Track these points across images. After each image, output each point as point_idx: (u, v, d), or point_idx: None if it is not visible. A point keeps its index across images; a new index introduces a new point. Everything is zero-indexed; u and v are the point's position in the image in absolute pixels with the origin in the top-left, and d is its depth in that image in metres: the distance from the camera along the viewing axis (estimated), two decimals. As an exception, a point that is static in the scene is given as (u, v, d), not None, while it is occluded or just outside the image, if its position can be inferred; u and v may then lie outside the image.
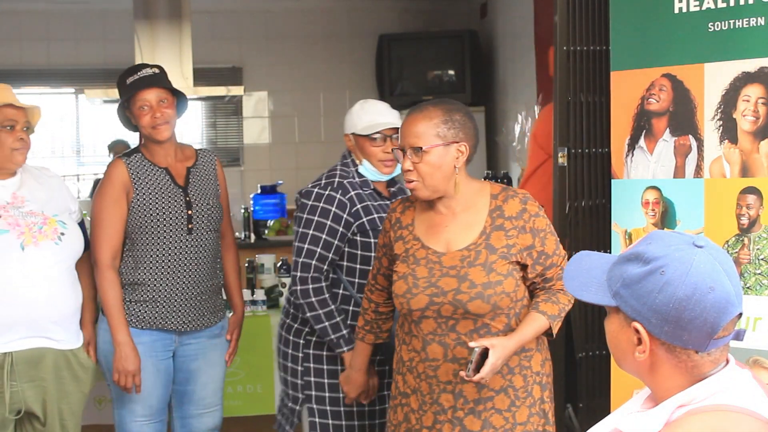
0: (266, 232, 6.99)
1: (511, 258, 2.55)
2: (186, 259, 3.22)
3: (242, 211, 7.07)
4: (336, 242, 3.03)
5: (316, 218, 3.02)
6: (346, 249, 3.07)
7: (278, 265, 5.24)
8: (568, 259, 1.85)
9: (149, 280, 3.20)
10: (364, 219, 3.05)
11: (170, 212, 3.21)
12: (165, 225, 3.20)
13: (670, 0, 3.05)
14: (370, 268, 2.97)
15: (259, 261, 5.30)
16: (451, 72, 7.73)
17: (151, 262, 3.20)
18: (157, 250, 3.20)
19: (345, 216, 3.03)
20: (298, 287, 3.02)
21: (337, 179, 3.08)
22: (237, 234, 6.79)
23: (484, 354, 2.43)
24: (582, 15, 3.48)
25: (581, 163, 3.51)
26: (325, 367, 3.12)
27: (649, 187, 3.14)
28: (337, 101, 7.98)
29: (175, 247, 3.21)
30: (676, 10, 3.04)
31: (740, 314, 1.50)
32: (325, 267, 3.03)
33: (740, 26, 2.89)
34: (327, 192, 3.04)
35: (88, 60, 7.79)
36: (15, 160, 3.00)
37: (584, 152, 3.52)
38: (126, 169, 3.21)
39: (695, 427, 1.44)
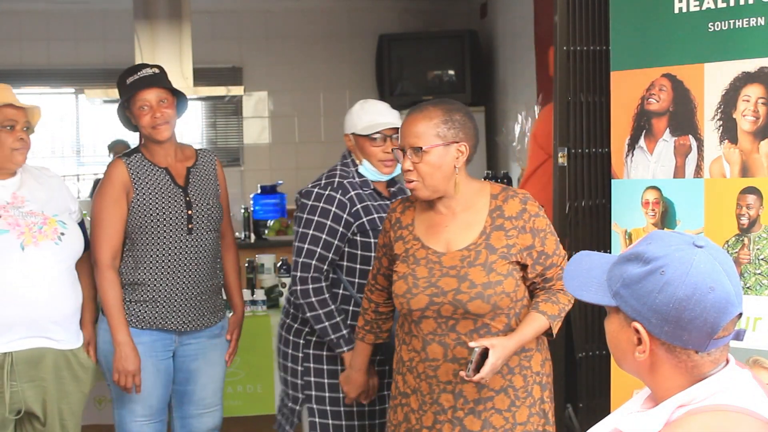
0: (266, 232, 6.99)
1: (511, 258, 2.55)
2: (186, 259, 3.22)
3: (242, 211, 7.07)
4: (336, 242, 3.03)
5: (316, 218, 3.02)
6: (346, 249, 3.07)
7: (278, 265, 5.25)
8: (568, 259, 1.85)
9: (149, 280, 3.20)
10: (364, 219, 3.05)
11: (170, 212, 3.21)
12: (165, 225, 3.19)
13: (670, 0, 3.05)
14: (370, 268, 2.97)
15: (259, 261, 5.30)
16: (451, 72, 7.73)
17: (151, 262, 3.20)
18: (157, 250, 3.20)
19: (345, 216, 3.03)
20: (298, 287, 3.02)
21: (337, 179, 3.08)
22: (237, 234, 6.80)
23: (484, 354, 2.43)
24: (582, 15, 3.48)
25: (581, 163, 3.52)
26: (325, 367, 3.12)
27: (649, 187, 3.14)
28: (337, 101, 7.98)
29: (175, 247, 3.21)
30: (676, 10, 3.04)
31: (740, 314, 1.50)
32: (325, 267, 3.03)
33: (740, 26, 2.89)
34: (327, 192, 3.04)
35: (88, 60, 7.79)
36: (15, 160, 3.00)
37: (584, 152, 3.52)
38: (126, 169, 3.21)
39: (695, 427, 1.44)
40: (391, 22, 8.10)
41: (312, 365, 3.13)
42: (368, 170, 3.11)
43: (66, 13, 7.75)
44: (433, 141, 2.50)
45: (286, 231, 6.93)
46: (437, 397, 2.59)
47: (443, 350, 2.56)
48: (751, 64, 2.87)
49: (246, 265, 5.26)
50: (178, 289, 3.21)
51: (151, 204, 3.19)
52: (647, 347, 1.50)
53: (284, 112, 8.20)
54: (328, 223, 3.02)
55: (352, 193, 3.06)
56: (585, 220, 3.53)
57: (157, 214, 3.19)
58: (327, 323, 3.00)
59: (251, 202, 7.17)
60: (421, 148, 2.50)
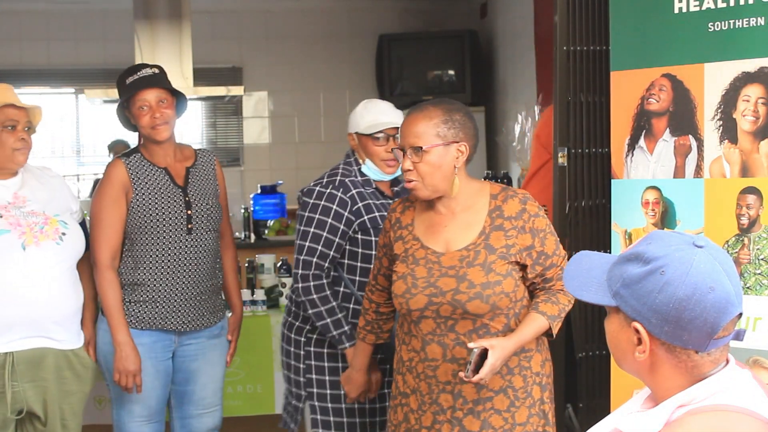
0: (266, 232, 6.99)
1: (510, 258, 2.55)
2: (186, 259, 3.22)
3: (242, 211, 7.07)
4: (337, 240, 3.03)
5: (317, 216, 3.03)
6: (347, 247, 3.08)
7: (278, 265, 5.24)
8: (568, 259, 1.85)
9: (149, 280, 3.20)
10: (365, 217, 3.06)
11: (170, 212, 3.21)
12: (164, 225, 3.20)
13: (670, 0, 3.05)
14: (371, 266, 2.98)
15: (259, 261, 5.30)
16: (451, 72, 7.73)
17: (150, 262, 3.20)
18: (157, 250, 3.20)
19: (346, 214, 3.04)
20: (300, 284, 3.03)
21: (338, 177, 3.08)
22: (237, 234, 6.83)
23: (483, 355, 2.43)
24: (582, 15, 3.48)
25: (581, 163, 3.51)
26: (326, 364, 3.13)
27: (649, 187, 3.14)
28: (337, 101, 7.98)
29: (175, 247, 3.21)
30: (676, 10, 3.04)
31: (740, 314, 1.50)
32: (326, 264, 3.04)
33: (740, 26, 2.89)
34: (328, 190, 3.05)
35: (88, 60, 7.80)
36: (16, 160, 3.00)
37: (584, 152, 3.52)
38: (125, 169, 3.21)
39: (695, 427, 1.44)
40: (391, 22, 8.10)
41: (313, 362, 3.14)
42: (371, 169, 3.12)
43: (66, 13, 7.76)
44: (433, 141, 2.50)
45: (286, 231, 6.93)
46: (436, 397, 2.59)
47: (442, 350, 2.56)
48: (751, 64, 2.87)
49: (246, 265, 5.26)
50: (177, 289, 3.22)
51: (150, 204, 3.19)
52: (647, 347, 1.50)
53: (284, 112, 8.20)
54: (329, 221, 3.02)
55: (354, 191, 3.07)
56: (585, 220, 3.53)
57: (157, 214, 3.19)
58: (329, 320, 3.01)
59: (251, 202, 7.17)
60: (421, 147, 2.50)
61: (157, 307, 3.20)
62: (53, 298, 2.97)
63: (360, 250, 3.08)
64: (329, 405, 3.13)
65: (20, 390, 2.96)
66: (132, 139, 5.42)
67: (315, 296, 3.01)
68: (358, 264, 3.09)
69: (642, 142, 3.15)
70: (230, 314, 3.50)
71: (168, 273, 3.20)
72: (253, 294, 4.91)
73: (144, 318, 3.20)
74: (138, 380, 3.13)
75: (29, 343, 2.96)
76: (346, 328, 3.02)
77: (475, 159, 2.62)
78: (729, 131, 2.93)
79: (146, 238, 3.19)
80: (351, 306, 3.10)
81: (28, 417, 3.03)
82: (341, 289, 3.11)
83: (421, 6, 8.14)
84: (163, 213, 3.20)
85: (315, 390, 3.13)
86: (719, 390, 1.48)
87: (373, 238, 3.06)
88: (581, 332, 3.54)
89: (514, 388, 2.58)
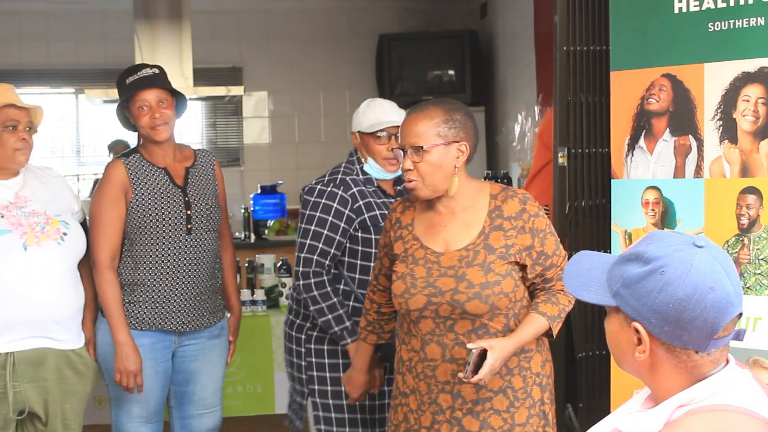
0: (266, 232, 6.99)
1: (510, 258, 2.54)
2: (185, 259, 3.22)
3: (242, 211, 7.07)
4: (338, 238, 3.04)
5: (318, 214, 3.04)
6: (348, 245, 3.08)
7: (278, 265, 5.25)
8: (568, 259, 1.85)
9: (148, 280, 3.20)
10: (366, 215, 3.07)
11: (169, 212, 3.21)
12: (164, 225, 3.20)
13: (670, 0, 3.05)
14: (371, 264, 2.98)
15: (259, 261, 5.30)
16: (451, 72, 7.73)
17: (150, 262, 3.20)
18: (157, 250, 3.20)
19: (347, 212, 3.04)
20: (301, 282, 3.04)
21: (340, 176, 3.09)
22: (237, 234, 6.83)
23: (483, 355, 2.42)
24: (582, 15, 3.48)
25: (581, 163, 3.52)
26: (326, 361, 3.15)
27: (649, 187, 3.14)
28: (337, 101, 7.98)
29: (175, 248, 3.21)
30: (676, 10, 3.04)
31: (740, 314, 1.50)
32: (327, 262, 3.05)
33: (740, 26, 2.89)
34: (329, 188, 3.06)
35: (88, 60, 7.79)
36: (17, 160, 3.00)
37: (584, 152, 3.52)
38: (125, 169, 3.21)
39: (695, 427, 1.44)
40: (391, 22, 8.10)
41: (314, 360, 3.16)
42: (373, 168, 3.12)
43: (66, 13, 7.76)
44: (433, 140, 2.50)
45: (286, 231, 6.93)
46: (436, 397, 2.59)
47: (441, 350, 2.56)
48: (751, 64, 2.87)
49: (246, 265, 5.27)
50: (177, 289, 3.22)
51: (150, 204, 3.19)
52: (647, 347, 1.50)
53: (284, 112, 8.20)
54: (330, 219, 3.03)
55: (355, 189, 3.08)
56: (585, 220, 3.53)
57: (156, 214, 3.19)
58: (330, 316, 3.02)
59: (251, 202, 7.17)
60: (421, 147, 2.50)
61: (157, 307, 3.20)
62: (54, 299, 2.97)
63: (360, 248, 3.09)
64: (330, 401, 3.14)
65: (21, 390, 2.96)
66: (132, 139, 5.43)
67: (316, 293, 3.03)
68: (358, 262, 3.10)
69: (642, 142, 3.15)
70: (229, 315, 3.50)
71: (168, 273, 3.20)
72: (253, 294, 4.92)
73: (144, 319, 3.20)
74: (139, 380, 3.13)
75: (30, 343, 2.96)
76: (348, 324, 3.02)
77: (475, 159, 2.62)
78: (729, 131, 2.93)
79: (146, 239, 3.19)
80: (351, 303, 3.11)
81: (29, 417, 3.03)
82: (341, 286, 3.12)
83: (421, 6, 8.14)
84: (163, 213, 3.20)
85: (316, 387, 3.15)
86: (719, 390, 1.48)
87: (373, 236, 3.07)
88: (581, 332, 3.54)
89: (513, 388, 2.57)
